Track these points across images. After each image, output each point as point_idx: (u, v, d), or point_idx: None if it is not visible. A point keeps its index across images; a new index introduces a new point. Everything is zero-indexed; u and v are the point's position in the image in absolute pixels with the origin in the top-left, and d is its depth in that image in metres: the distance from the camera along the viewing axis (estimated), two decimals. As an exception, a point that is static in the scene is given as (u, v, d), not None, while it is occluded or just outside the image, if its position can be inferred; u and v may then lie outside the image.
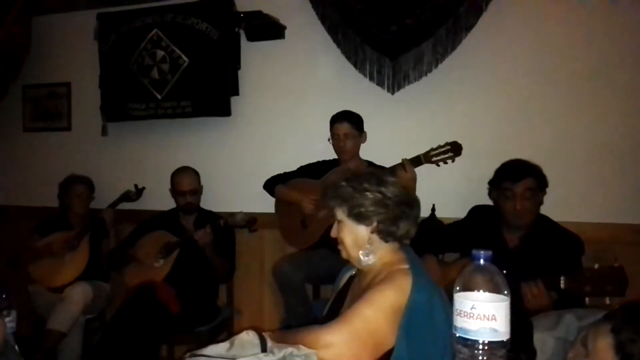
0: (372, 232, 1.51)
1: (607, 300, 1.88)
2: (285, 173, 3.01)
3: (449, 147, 2.55)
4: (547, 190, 2.32)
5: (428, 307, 1.38)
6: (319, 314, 1.72)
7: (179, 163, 3.19)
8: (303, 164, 3.02)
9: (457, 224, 2.53)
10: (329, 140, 2.84)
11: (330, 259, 2.14)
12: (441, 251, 2.54)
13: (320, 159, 2.99)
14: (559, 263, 2.09)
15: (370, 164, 2.83)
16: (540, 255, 2.18)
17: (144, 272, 2.96)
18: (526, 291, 1.97)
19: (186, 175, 3.09)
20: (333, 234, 1.58)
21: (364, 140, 2.85)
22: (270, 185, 3.00)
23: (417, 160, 2.58)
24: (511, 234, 2.32)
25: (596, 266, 1.91)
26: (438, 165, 2.59)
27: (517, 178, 2.27)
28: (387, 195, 1.50)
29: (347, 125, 2.79)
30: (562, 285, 1.94)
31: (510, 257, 2.19)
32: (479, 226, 2.38)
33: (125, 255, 3.06)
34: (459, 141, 2.54)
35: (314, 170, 2.93)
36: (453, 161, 2.57)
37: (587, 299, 1.91)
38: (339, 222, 1.55)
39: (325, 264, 2.55)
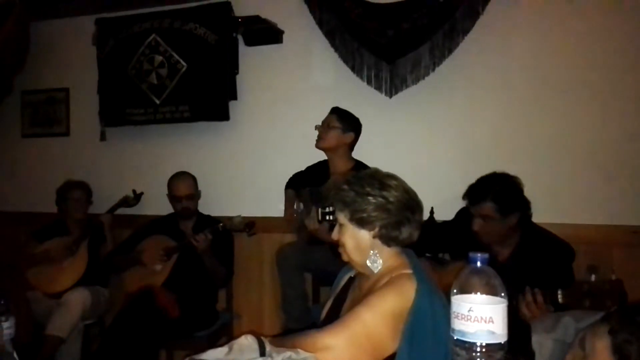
0: (374, 237, 1.49)
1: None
2: (295, 174, 3.04)
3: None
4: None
5: (431, 312, 1.37)
6: (317, 317, 1.71)
7: (177, 168, 3.19)
8: (301, 167, 3.04)
9: (447, 224, 2.52)
10: (315, 127, 2.85)
11: (331, 257, 2.15)
12: (434, 251, 2.53)
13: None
14: (550, 273, 2.07)
15: (358, 163, 2.82)
16: (531, 268, 2.12)
17: (143, 276, 2.95)
18: (522, 305, 1.90)
19: (183, 180, 3.09)
20: (334, 236, 1.57)
21: (348, 140, 2.81)
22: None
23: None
24: (500, 249, 2.26)
25: (593, 278, 1.87)
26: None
27: (474, 201, 2.20)
28: (390, 199, 1.48)
29: (334, 116, 2.81)
30: (560, 300, 1.89)
31: (500, 271, 2.16)
32: (468, 236, 2.28)
33: (125, 259, 3.05)
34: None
35: (312, 173, 2.95)
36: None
37: None
38: (341, 225, 1.54)
39: (326, 260, 2.54)
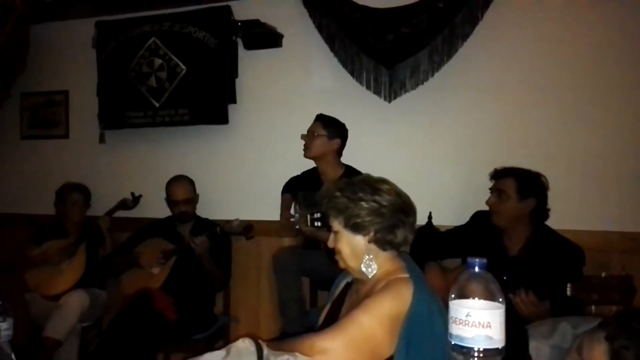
0: (369, 242, 1.50)
1: (615, 309, 1.85)
2: (291, 179, 3.05)
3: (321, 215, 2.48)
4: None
5: (428, 316, 1.38)
6: (315, 321, 1.72)
7: (176, 171, 3.20)
8: (298, 171, 3.04)
9: (459, 229, 2.54)
10: (301, 136, 2.86)
11: (327, 262, 2.15)
12: (442, 257, 2.55)
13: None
14: (560, 272, 2.08)
15: (348, 168, 2.83)
16: (541, 264, 2.16)
17: (141, 279, 2.95)
18: (516, 301, 1.98)
19: (180, 184, 3.08)
20: (330, 244, 1.57)
21: (334, 146, 2.81)
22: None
23: None
24: (511, 242, 2.31)
25: (603, 274, 1.89)
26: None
27: (497, 176, 2.34)
28: (383, 204, 1.49)
29: (319, 124, 2.82)
30: (568, 293, 1.92)
31: (510, 265, 2.19)
32: (480, 233, 2.37)
33: (123, 262, 3.05)
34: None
35: (306, 178, 2.96)
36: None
37: (593, 307, 1.89)
38: (336, 232, 1.54)
39: (323, 265, 2.55)
